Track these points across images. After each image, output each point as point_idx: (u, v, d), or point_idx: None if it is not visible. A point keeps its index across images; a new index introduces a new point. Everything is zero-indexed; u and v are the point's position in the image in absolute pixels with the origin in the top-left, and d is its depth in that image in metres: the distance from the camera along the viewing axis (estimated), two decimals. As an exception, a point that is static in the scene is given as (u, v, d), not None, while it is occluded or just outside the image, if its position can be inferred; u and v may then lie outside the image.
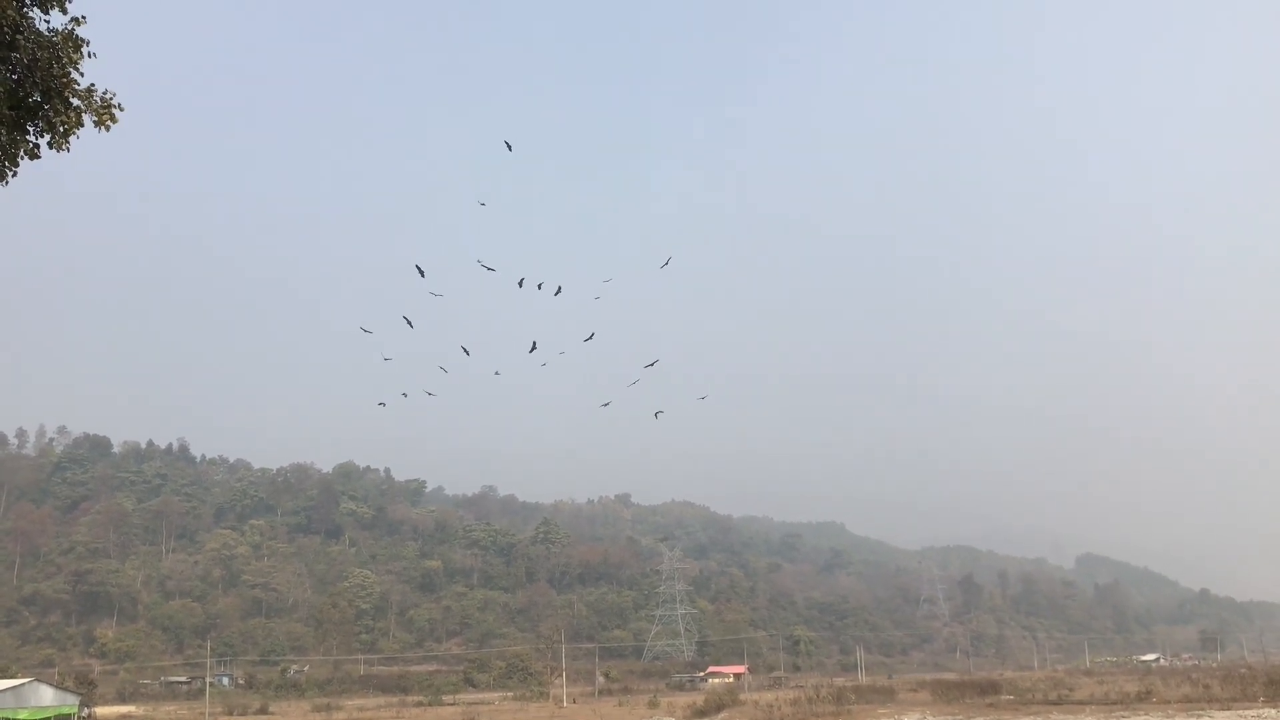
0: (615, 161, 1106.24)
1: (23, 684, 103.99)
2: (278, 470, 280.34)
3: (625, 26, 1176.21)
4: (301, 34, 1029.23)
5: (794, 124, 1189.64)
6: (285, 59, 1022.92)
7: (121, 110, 16.95)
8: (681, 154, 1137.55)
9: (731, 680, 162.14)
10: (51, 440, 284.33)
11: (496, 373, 77.56)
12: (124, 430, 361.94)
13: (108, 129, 16.99)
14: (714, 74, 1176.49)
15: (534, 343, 54.81)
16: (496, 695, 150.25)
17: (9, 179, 16.82)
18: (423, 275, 51.98)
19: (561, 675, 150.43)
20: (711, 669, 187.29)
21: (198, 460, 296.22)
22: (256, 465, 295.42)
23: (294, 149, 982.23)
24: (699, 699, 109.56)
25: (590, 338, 60.04)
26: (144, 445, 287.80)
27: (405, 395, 67.40)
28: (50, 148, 16.74)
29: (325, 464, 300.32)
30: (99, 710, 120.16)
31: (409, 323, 53.05)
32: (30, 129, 16.46)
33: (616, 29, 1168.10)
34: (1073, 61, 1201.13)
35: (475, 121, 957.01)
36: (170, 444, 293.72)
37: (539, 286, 54.17)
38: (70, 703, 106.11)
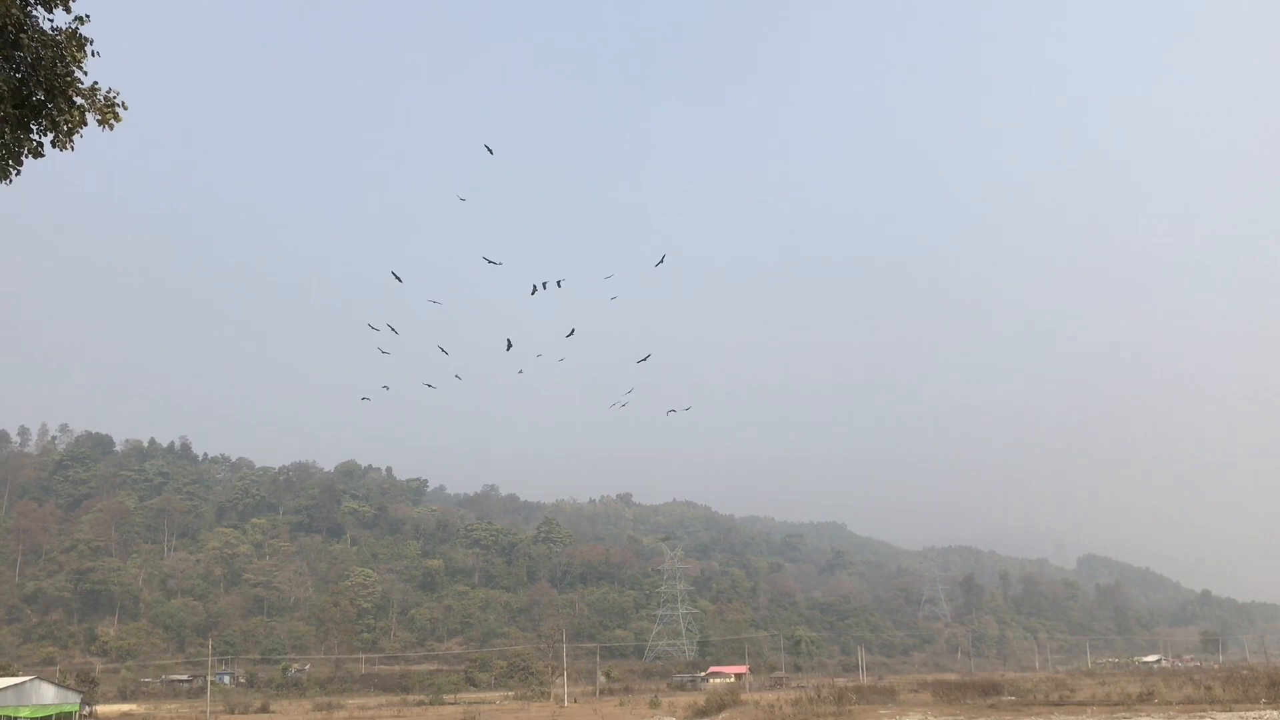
0: (616, 162, 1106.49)
1: (24, 682, 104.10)
2: (279, 469, 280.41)
3: (625, 26, 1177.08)
4: (304, 34, 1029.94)
5: (789, 137, 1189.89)
6: (288, 59, 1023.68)
7: (125, 109, 16.95)
8: (681, 160, 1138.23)
9: (733, 680, 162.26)
10: (54, 438, 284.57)
11: (520, 372, 78.74)
12: (126, 428, 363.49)
13: (111, 128, 16.99)
14: (709, 76, 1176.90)
15: (509, 341, 55.03)
16: (498, 695, 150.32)
17: (12, 177, 16.82)
18: (399, 281, 52.46)
19: (563, 675, 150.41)
20: (713, 669, 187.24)
21: (199, 459, 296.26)
22: (258, 464, 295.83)
23: (297, 148, 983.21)
24: (700, 699, 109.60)
25: (571, 334, 59.92)
26: (146, 443, 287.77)
27: (387, 388, 68.65)
28: (54, 146, 16.73)
29: (327, 463, 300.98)
30: (100, 708, 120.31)
31: (393, 329, 53.28)
32: (34, 127, 16.46)
33: (615, 28, 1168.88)
34: (1065, 69, 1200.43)
35: (477, 121, 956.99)
36: (172, 442, 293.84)
37: (558, 284, 54.31)
38: (72, 701, 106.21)
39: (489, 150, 52.67)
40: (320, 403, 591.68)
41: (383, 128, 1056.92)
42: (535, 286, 53.43)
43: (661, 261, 63.42)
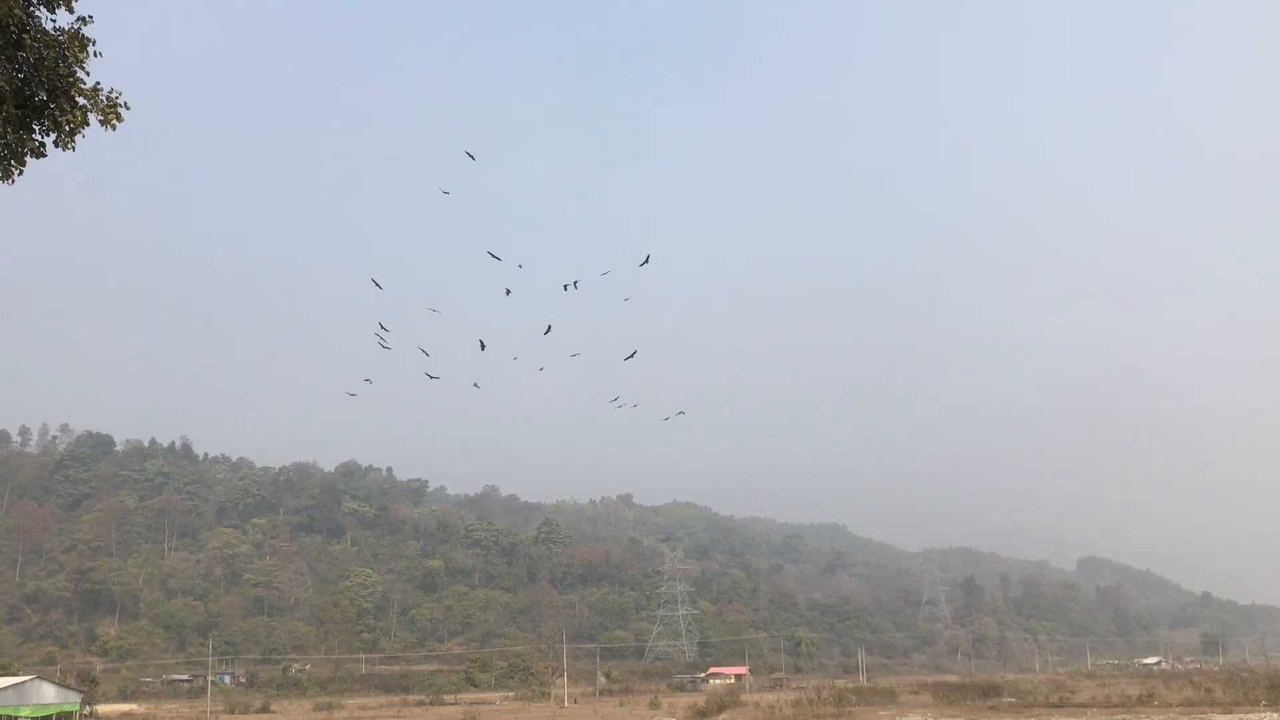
0: (616, 162, 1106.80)
1: (25, 681, 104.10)
2: (280, 469, 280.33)
3: (626, 24, 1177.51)
4: (303, 35, 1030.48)
5: (789, 138, 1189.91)
6: (288, 59, 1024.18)
7: (128, 109, 16.96)
8: (682, 161, 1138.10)
9: (733, 681, 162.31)
10: (55, 438, 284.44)
11: (541, 369, 78.62)
12: (127, 429, 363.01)
13: (114, 128, 17.01)
14: (708, 76, 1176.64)
15: (482, 342, 55.18)
16: (498, 695, 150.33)
17: (14, 177, 16.85)
18: (380, 288, 52.74)
19: (563, 675, 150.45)
20: (713, 670, 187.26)
21: (200, 459, 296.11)
22: (259, 464, 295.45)
23: (299, 148, 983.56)
24: (700, 700, 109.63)
25: (548, 331, 59.60)
26: (146, 444, 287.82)
27: (369, 382, 69.06)
28: (56, 146, 16.76)
29: (327, 463, 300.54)
30: (101, 708, 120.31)
31: (382, 336, 53.26)
32: (36, 128, 16.48)
33: (615, 27, 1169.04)
34: (1068, 71, 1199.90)
35: (479, 119, 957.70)
36: (173, 442, 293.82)
37: (573, 285, 54.42)
38: (72, 700, 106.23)
39: (470, 157, 53.78)
40: (321, 404, 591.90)
41: (384, 127, 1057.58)
42: (508, 290, 53.62)
43: (646, 261, 62.24)
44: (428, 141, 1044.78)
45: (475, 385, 67.15)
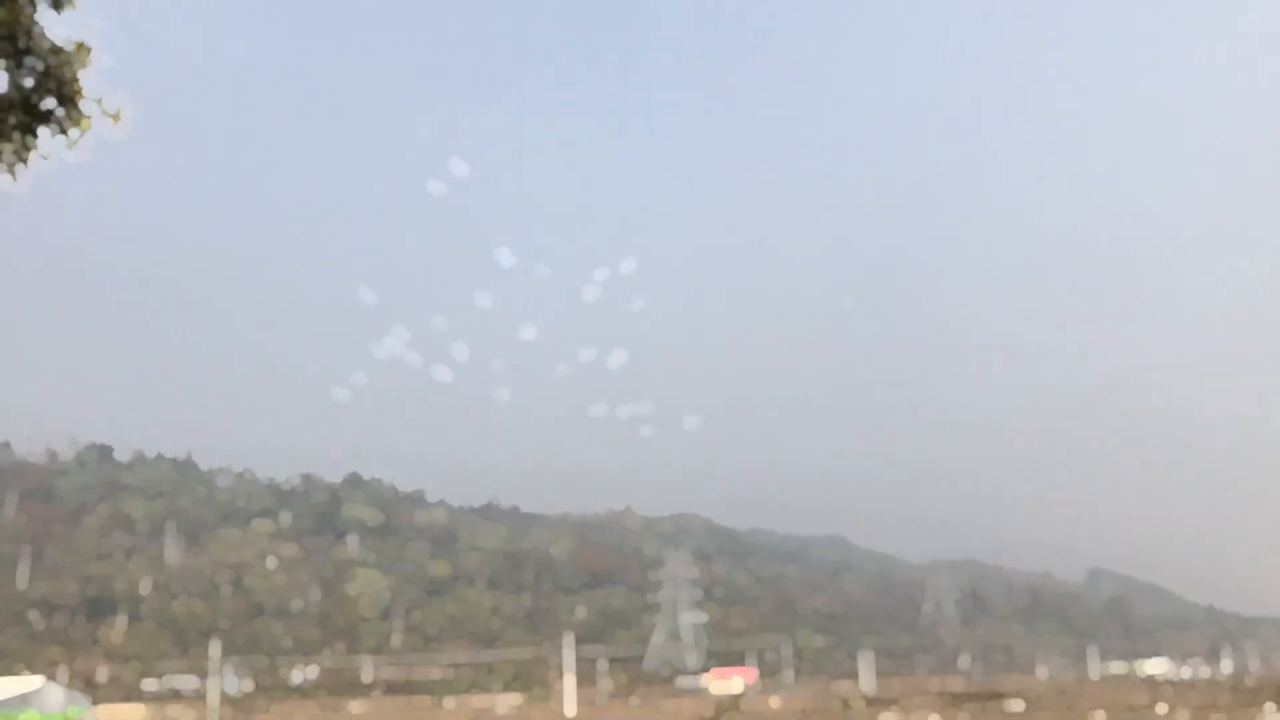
0: (614, 160, 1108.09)
1: (33, 686, 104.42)
2: (285, 479, 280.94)
3: (625, 21, 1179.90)
4: (298, 36, 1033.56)
5: (791, 135, 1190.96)
6: (286, 59, 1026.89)
7: (133, 116, 17.11)
8: (680, 159, 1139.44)
9: (736, 686, 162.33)
10: (58, 448, 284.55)
11: (558, 370, 79.29)
12: (131, 440, 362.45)
13: (118, 131, 17.14)
14: (708, 74, 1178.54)
15: (465, 349, 55.48)
16: (501, 699, 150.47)
17: (17, 178, 16.98)
18: (370, 301, 52.79)
19: (565, 680, 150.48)
20: (716, 674, 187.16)
21: (204, 471, 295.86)
22: (262, 475, 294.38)
23: (303, 150, 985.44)
24: (703, 705, 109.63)
25: (532, 335, 59.58)
26: (151, 456, 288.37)
27: (363, 382, 68.91)
28: (66, 149, 16.90)
29: (332, 475, 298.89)
30: (104, 711, 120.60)
31: (393, 344, 53.57)
32: (42, 132, 16.64)
33: (614, 25, 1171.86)
34: (1053, 71, 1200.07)
35: (485, 118, 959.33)
36: (176, 455, 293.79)
37: (579, 292, 54.55)
38: (80, 704, 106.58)
39: (459, 168, 53.21)
40: (324, 415, 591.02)
41: (396, 127, 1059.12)
42: (491, 297, 53.72)
43: (633, 265, 62.26)
44: (425, 141, 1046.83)
45: (498, 394, 67.37)
